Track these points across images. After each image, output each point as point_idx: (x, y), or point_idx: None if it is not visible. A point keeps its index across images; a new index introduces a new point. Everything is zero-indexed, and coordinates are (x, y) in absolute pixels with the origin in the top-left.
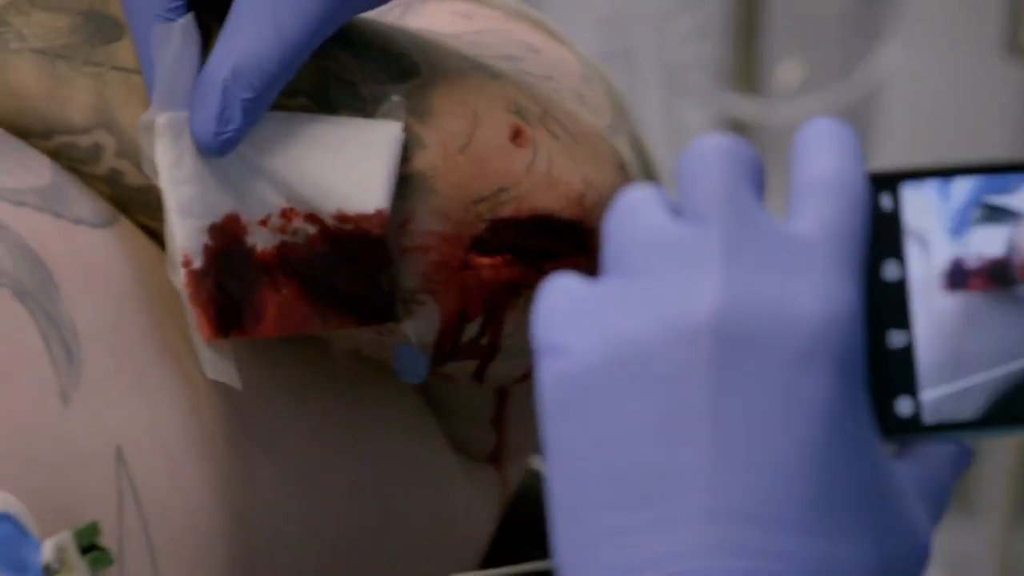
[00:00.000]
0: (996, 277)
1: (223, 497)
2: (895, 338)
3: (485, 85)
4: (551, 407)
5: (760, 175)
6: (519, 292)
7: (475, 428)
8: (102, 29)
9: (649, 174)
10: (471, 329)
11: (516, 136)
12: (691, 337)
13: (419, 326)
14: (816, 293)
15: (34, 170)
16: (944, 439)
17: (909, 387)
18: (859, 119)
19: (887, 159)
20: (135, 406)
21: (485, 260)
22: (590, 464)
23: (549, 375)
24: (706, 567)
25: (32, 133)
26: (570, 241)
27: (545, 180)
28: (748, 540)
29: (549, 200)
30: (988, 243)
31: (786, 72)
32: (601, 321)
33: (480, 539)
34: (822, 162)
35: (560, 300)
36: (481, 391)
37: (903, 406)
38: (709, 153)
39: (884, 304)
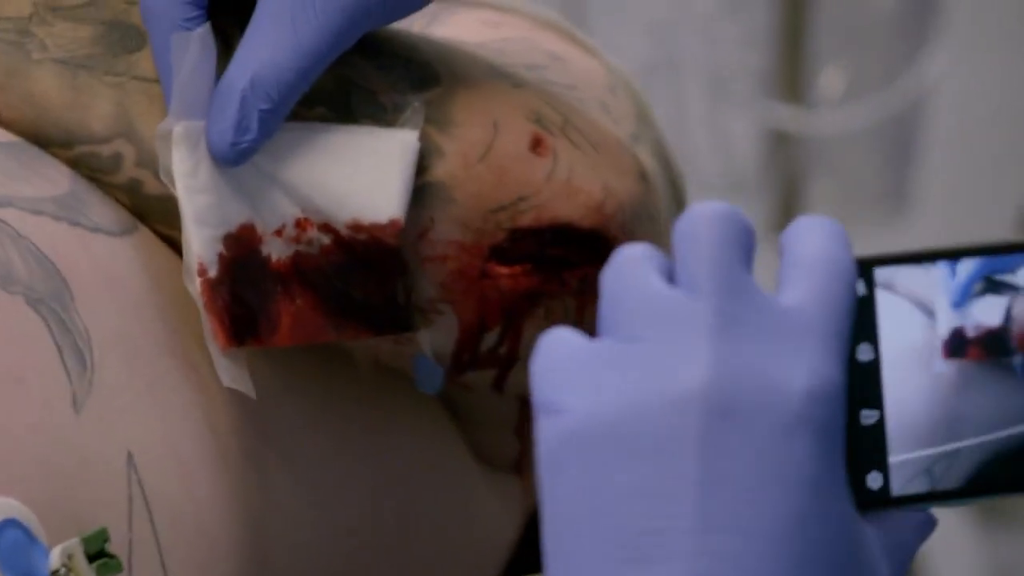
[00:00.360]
0: (993, 347)
1: (237, 504)
2: (867, 416)
3: (506, 94)
4: (548, 462)
5: (753, 242)
6: (538, 301)
7: (498, 437)
8: (124, 39)
9: (674, 183)
10: (490, 339)
11: (536, 145)
12: (682, 406)
13: (437, 336)
14: (803, 367)
15: (52, 179)
16: (915, 509)
17: (880, 462)
18: (904, 128)
19: (932, 169)
20: (148, 413)
21: (504, 269)
22: (582, 520)
23: (547, 432)
24: None
25: (53, 142)
26: (590, 250)
27: (565, 189)
28: None
29: (569, 209)
30: (987, 314)
31: (829, 80)
32: (597, 384)
33: (502, 548)
34: (813, 243)
35: (559, 358)
36: (503, 400)
37: (873, 480)
38: (704, 222)
39: (857, 383)
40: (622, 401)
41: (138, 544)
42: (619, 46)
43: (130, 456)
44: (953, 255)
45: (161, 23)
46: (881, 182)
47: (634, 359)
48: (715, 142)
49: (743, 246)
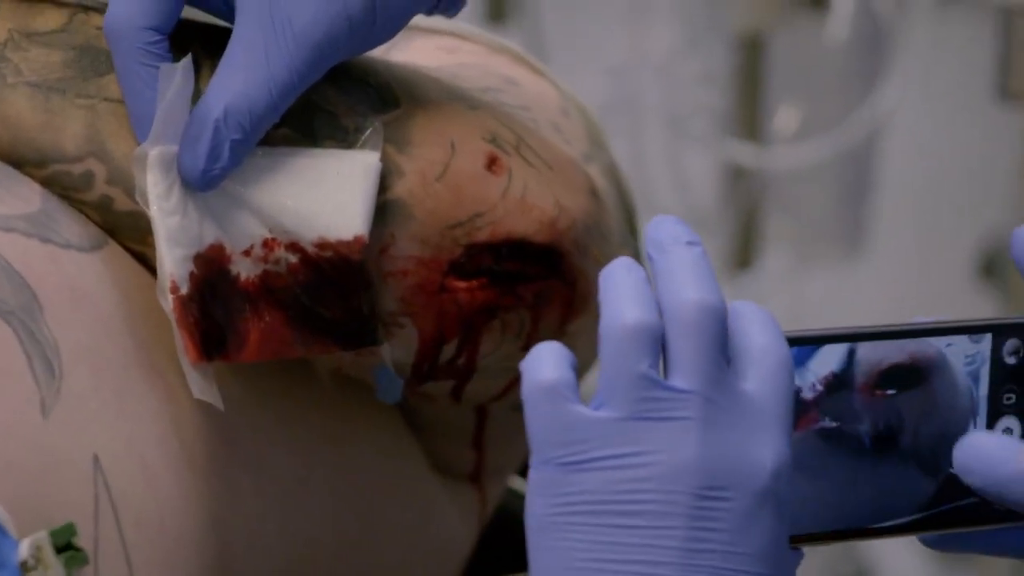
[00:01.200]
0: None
1: (201, 507)
2: None
3: (462, 115)
4: (546, 520)
5: (725, 320)
6: (495, 314)
7: (455, 448)
8: (95, 63)
9: (625, 202)
10: (448, 350)
11: (491, 164)
12: (675, 483)
13: (397, 348)
14: (770, 449)
15: (25, 197)
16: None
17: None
18: (859, 164)
19: (888, 204)
20: (114, 420)
21: (462, 284)
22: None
23: (548, 491)
24: None
25: (27, 162)
26: (544, 264)
27: (519, 206)
28: None
29: (523, 225)
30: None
31: (785, 118)
32: (599, 453)
33: (459, 556)
34: (757, 334)
35: (566, 422)
36: (461, 412)
37: None
38: (692, 319)
39: None
40: (622, 475)
41: (104, 541)
42: (580, 85)
43: (96, 459)
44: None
45: (124, 47)
46: (837, 217)
47: (634, 435)
48: (674, 179)
49: (722, 334)
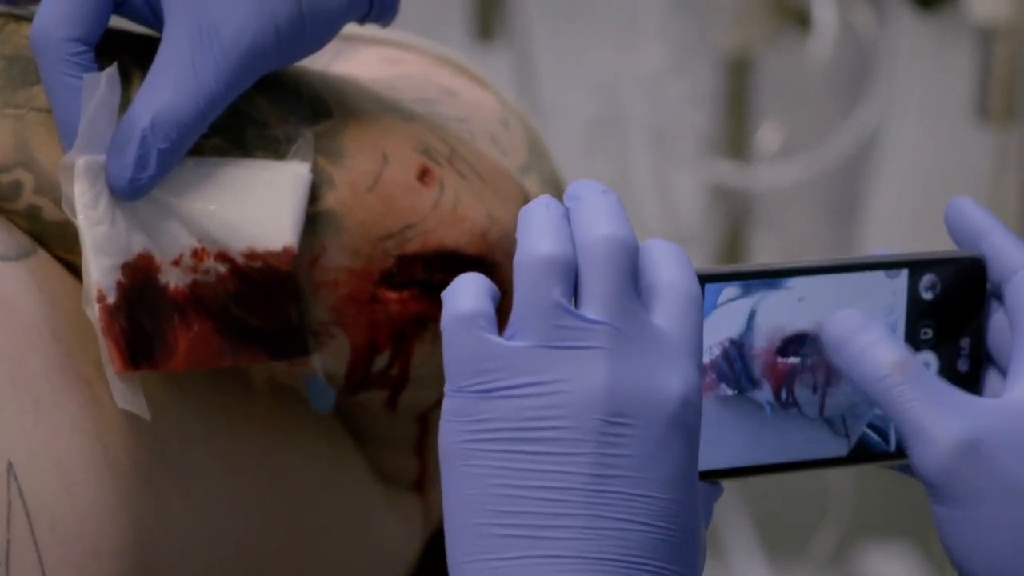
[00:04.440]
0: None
1: (123, 513)
2: None
3: (395, 127)
4: (457, 447)
5: (636, 256)
6: (427, 325)
7: (398, 456)
8: (24, 72)
9: None
10: (381, 360)
11: (423, 175)
12: (584, 410)
13: (329, 358)
14: (679, 378)
15: None
16: (710, 481)
17: None
18: (844, 182)
19: (873, 222)
20: (32, 427)
21: (393, 294)
22: (484, 502)
23: (457, 421)
24: None
25: None
26: None
27: (451, 217)
28: None
29: (454, 236)
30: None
31: (768, 137)
32: (510, 382)
33: (404, 564)
34: (669, 273)
35: (476, 346)
36: (403, 420)
37: None
38: (603, 251)
39: None
40: (532, 404)
41: (16, 544)
42: (567, 103)
43: (10, 465)
44: (774, 274)
45: (49, 58)
46: (822, 235)
47: (544, 364)
48: (659, 197)
49: (633, 269)
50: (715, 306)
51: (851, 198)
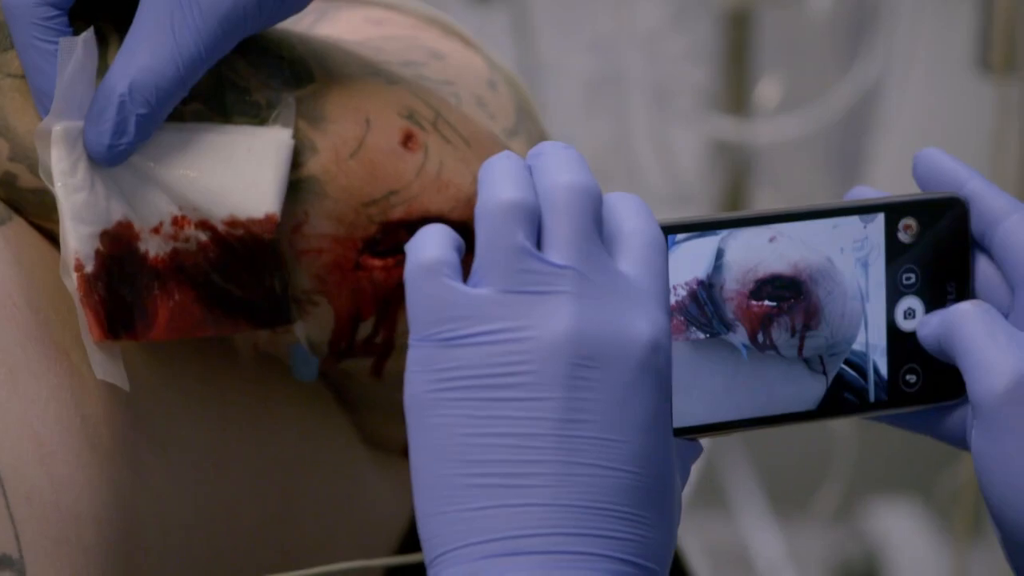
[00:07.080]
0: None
1: (103, 484)
2: None
3: (379, 91)
4: (423, 397)
5: (601, 207)
6: None
7: (385, 423)
8: None
9: None
10: (365, 328)
11: (407, 140)
12: (552, 355)
13: (313, 326)
14: (647, 321)
15: None
16: (688, 439)
17: None
18: (844, 136)
19: (870, 175)
20: (4, 398)
21: (377, 262)
22: (452, 452)
23: (421, 365)
24: (545, 543)
25: None
26: None
27: (435, 183)
28: (583, 526)
29: (439, 202)
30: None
31: (769, 92)
32: (476, 329)
33: (394, 528)
34: (632, 221)
35: (440, 295)
36: (387, 386)
37: None
38: (564, 197)
39: None
40: (499, 349)
41: None
42: (566, 62)
43: None
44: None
45: (20, 22)
46: (822, 189)
47: (509, 309)
48: (660, 154)
49: (597, 215)
50: (675, 243)
51: (852, 152)
